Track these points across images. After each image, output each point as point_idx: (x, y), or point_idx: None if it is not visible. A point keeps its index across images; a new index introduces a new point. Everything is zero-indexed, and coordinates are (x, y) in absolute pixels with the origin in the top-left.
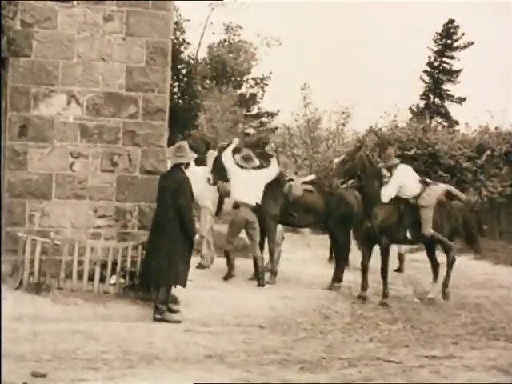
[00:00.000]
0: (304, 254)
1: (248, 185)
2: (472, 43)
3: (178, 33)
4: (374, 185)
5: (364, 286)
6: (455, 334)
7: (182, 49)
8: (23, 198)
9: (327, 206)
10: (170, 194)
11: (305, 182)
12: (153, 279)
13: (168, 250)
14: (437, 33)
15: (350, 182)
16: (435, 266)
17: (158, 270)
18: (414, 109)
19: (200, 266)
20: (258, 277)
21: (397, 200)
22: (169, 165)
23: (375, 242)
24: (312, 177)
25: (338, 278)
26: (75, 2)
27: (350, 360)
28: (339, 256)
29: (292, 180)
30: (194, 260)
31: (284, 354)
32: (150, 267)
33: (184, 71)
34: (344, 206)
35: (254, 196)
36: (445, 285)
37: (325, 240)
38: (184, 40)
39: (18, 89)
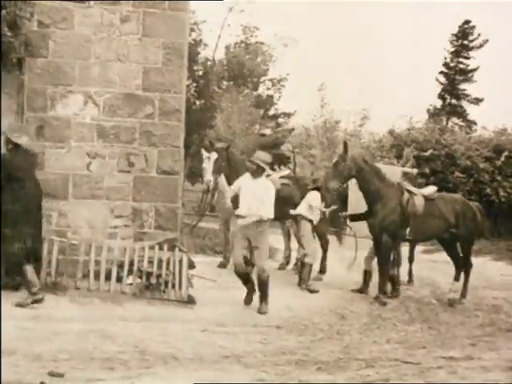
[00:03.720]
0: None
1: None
2: (487, 41)
3: (194, 34)
4: (373, 182)
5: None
6: (473, 335)
7: (199, 49)
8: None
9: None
10: None
11: (282, 177)
12: None
13: None
14: (452, 34)
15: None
16: (458, 265)
17: None
18: (431, 109)
19: (222, 266)
20: (261, 291)
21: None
22: None
23: (378, 240)
24: (287, 171)
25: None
26: (92, 3)
27: (367, 361)
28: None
29: (269, 175)
30: (216, 260)
31: (301, 354)
32: None
33: (201, 72)
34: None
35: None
36: (464, 287)
37: (347, 241)
38: (201, 41)
39: (35, 89)
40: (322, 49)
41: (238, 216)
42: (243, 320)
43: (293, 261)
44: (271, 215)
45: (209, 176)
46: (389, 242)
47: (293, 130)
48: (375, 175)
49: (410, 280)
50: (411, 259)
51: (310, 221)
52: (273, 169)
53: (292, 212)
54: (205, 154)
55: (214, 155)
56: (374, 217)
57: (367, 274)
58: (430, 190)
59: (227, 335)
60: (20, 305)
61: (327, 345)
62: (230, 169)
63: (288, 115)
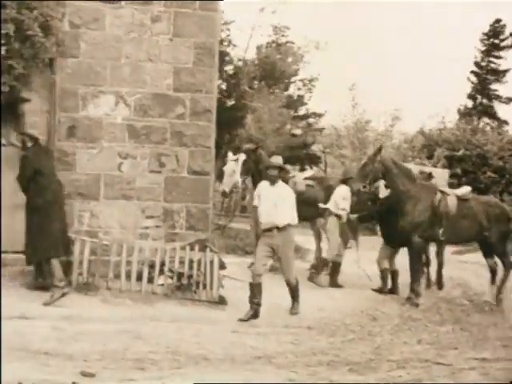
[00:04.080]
0: (351, 254)
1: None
2: None
3: (223, 33)
4: (402, 183)
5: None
6: (505, 337)
7: (230, 49)
8: (72, 198)
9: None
10: None
11: (306, 178)
12: None
13: None
14: (483, 33)
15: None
16: (493, 268)
17: None
18: (462, 109)
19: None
20: (292, 294)
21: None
22: None
23: (406, 241)
24: (312, 172)
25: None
26: (123, 3)
27: (398, 362)
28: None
29: (293, 176)
30: (247, 260)
31: (332, 355)
32: None
33: (232, 72)
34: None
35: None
36: (498, 289)
37: (375, 241)
38: (230, 41)
39: (67, 90)
40: (352, 49)
41: (260, 224)
42: (274, 321)
43: None
44: (288, 221)
45: (237, 177)
46: (420, 243)
47: (323, 129)
48: (404, 176)
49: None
50: (441, 259)
51: (337, 216)
52: (304, 169)
53: (321, 206)
54: (231, 155)
55: (243, 156)
56: (404, 217)
57: (384, 273)
58: (464, 190)
59: (258, 336)
60: (47, 303)
61: (358, 346)
62: (258, 171)
63: (319, 115)
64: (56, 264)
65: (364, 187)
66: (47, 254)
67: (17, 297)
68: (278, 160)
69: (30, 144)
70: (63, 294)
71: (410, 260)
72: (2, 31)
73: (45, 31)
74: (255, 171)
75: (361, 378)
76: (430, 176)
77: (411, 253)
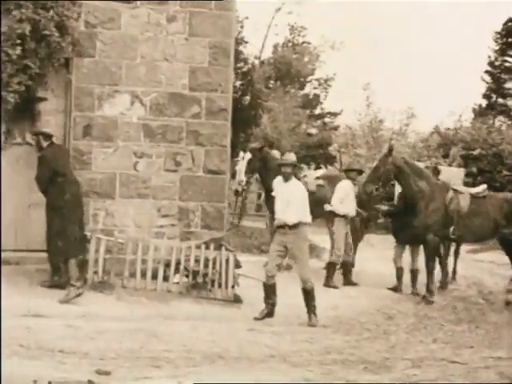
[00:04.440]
0: (367, 253)
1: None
2: None
3: (241, 33)
4: (414, 183)
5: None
6: None
7: (245, 49)
8: (87, 197)
9: None
10: None
11: (318, 177)
12: None
13: None
14: (496, 32)
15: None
16: None
17: None
18: (477, 108)
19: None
20: (307, 303)
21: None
22: None
23: (420, 240)
24: (323, 171)
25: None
26: (139, 3)
27: (413, 361)
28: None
29: (305, 176)
30: (262, 259)
31: (347, 353)
32: None
33: (246, 71)
34: None
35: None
36: None
37: (388, 240)
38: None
39: (82, 89)
40: (367, 48)
41: (274, 221)
42: (289, 319)
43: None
44: (299, 219)
45: (242, 176)
46: (434, 241)
47: (338, 126)
48: (417, 175)
49: (453, 278)
50: (456, 258)
51: (343, 216)
52: (319, 168)
53: (327, 208)
54: (241, 154)
55: (248, 155)
56: (418, 216)
57: (399, 272)
58: (479, 188)
59: (273, 334)
60: (63, 301)
61: (374, 344)
62: (266, 169)
63: (334, 114)
64: (72, 263)
65: (377, 189)
66: (66, 254)
67: (32, 295)
68: (290, 157)
69: (45, 143)
70: (78, 294)
71: (426, 258)
72: (18, 31)
73: (61, 31)
74: (263, 170)
75: (376, 377)
76: (436, 171)
77: (426, 251)
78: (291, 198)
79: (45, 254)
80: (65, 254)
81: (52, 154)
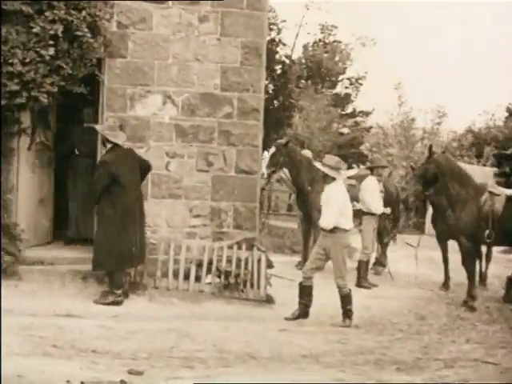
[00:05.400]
0: (399, 253)
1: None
2: None
3: (273, 33)
4: (453, 185)
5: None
6: None
7: (277, 49)
8: None
9: None
10: None
11: (350, 177)
12: None
13: None
14: None
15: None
16: None
17: None
18: (510, 107)
19: (300, 265)
20: (343, 306)
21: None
22: None
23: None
24: (355, 171)
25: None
26: (170, 3)
27: (446, 361)
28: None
29: None
30: (294, 259)
31: (379, 354)
32: None
33: (279, 71)
34: None
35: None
36: None
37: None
38: (280, 40)
39: (115, 90)
40: (399, 46)
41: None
42: (322, 319)
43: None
44: (333, 224)
45: (263, 169)
46: (468, 245)
47: (371, 127)
48: (457, 177)
49: (483, 281)
50: (488, 259)
51: (371, 214)
52: (351, 167)
53: (355, 206)
54: (265, 153)
55: (272, 149)
56: (452, 219)
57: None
58: None
59: (305, 335)
60: (99, 302)
61: (406, 345)
62: (293, 166)
63: (366, 114)
64: (117, 273)
65: (422, 193)
66: (114, 267)
67: (64, 295)
68: (330, 160)
69: (108, 145)
70: (116, 302)
71: (464, 263)
72: (51, 32)
73: (93, 32)
74: (290, 166)
75: (408, 378)
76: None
77: (463, 255)
78: (329, 202)
79: (74, 254)
80: (114, 266)
81: (113, 158)
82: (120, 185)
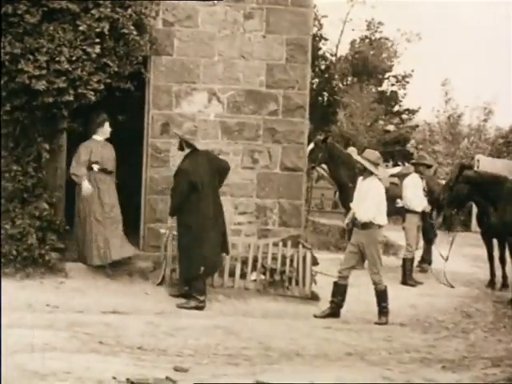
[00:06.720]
0: (444, 251)
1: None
2: None
3: (315, 28)
4: (493, 189)
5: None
6: None
7: (322, 45)
8: (165, 194)
9: None
10: None
11: (392, 175)
12: None
13: None
14: None
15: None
16: None
17: None
18: None
19: None
20: (378, 303)
21: None
22: None
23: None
24: (398, 169)
25: None
26: (216, 1)
27: (492, 360)
28: None
29: None
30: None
31: (425, 352)
32: None
33: (322, 66)
34: None
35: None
36: None
37: (467, 237)
38: (321, 35)
39: (160, 87)
40: (446, 42)
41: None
42: (367, 317)
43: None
44: (370, 219)
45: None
46: None
47: (417, 126)
48: (494, 184)
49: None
50: None
51: (414, 212)
52: (397, 165)
53: (398, 203)
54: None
55: (311, 146)
56: (496, 217)
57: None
58: None
59: (351, 332)
60: (182, 306)
61: (452, 343)
62: (331, 161)
63: (412, 112)
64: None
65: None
66: (198, 274)
67: (109, 292)
68: (370, 154)
69: (187, 150)
70: (198, 307)
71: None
72: (97, 30)
73: (139, 29)
74: (330, 163)
75: (454, 376)
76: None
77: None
78: (366, 196)
79: None
80: (193, 273)
81: (190, 165)
82: (199, 192)
